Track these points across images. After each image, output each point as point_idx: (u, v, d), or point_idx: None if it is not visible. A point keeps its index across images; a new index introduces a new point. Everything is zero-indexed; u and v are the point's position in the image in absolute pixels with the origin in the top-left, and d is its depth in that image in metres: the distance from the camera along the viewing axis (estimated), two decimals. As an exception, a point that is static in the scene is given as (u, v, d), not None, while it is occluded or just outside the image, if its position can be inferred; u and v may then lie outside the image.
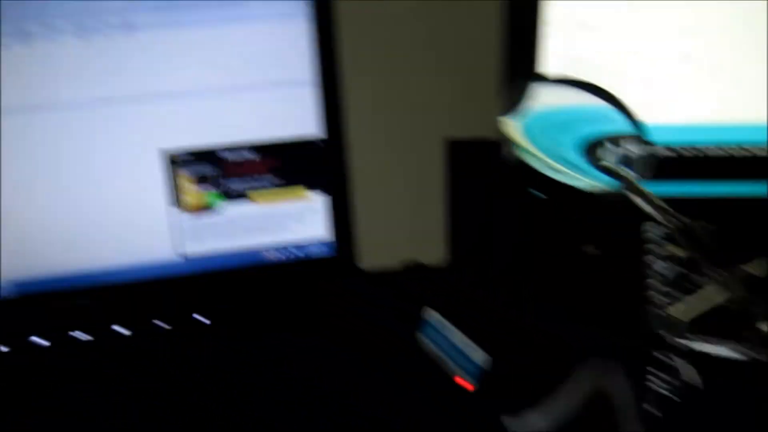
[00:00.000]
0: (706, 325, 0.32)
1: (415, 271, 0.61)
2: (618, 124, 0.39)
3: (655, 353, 0.29)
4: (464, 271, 0.55)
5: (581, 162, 0.38)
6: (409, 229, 0.61)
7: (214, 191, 0.52)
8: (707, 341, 0.29)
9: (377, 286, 0.55)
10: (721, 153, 0.45)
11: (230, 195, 0.52)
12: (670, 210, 0.36)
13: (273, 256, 0.54)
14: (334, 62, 0.51)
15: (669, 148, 0.46)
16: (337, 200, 0.53)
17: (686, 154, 0.45)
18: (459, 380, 0.46)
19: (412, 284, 0.58)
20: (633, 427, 0.39)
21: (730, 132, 0.45)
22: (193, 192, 0.52)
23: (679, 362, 0.29)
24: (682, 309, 0.30)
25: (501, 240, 0.50)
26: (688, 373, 0.29)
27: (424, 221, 0.54)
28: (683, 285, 0.36)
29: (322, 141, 0.52)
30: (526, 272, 0.51)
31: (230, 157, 0.52)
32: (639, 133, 0.38)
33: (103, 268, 0.51)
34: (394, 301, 0.53)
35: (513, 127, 0.37)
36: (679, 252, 0.35)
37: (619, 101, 0.39)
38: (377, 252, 0.60)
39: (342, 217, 0.54)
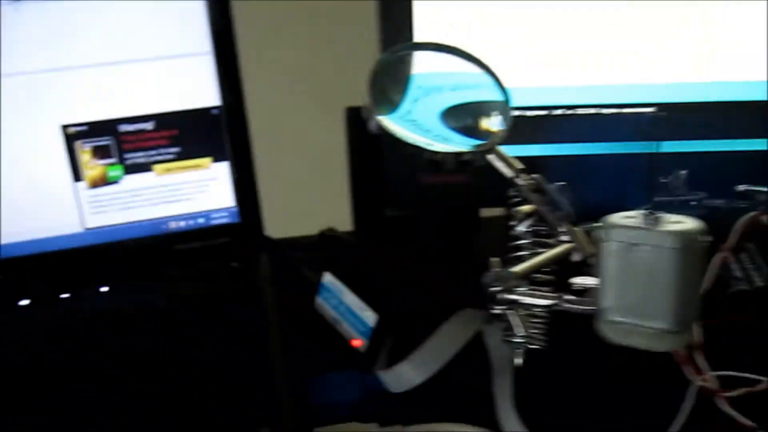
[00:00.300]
0: (546, 280, 0.34)
1: (319, 237, 0.63)
2: (485, 88, 0.40)
3: (491, 306, 0.31)
4: (365, 236, 0.56)
5: (445, 126, 0.39)
6: (316, 196, 0.62)
7: (115, 164, 0.52)
8: (535, 295, 0.31)
9: (283, 252, 0.56)
10: (590, 112, 0.46)
11: (132, 167, 0.53)
12: (525, 169, 0.38)
13: (177, 225, 0.55)
14: (231, 33, 0.52)
15: (535, 110, 0.48)
16: (239, 168, 0.54)
17: (553, 114, 0.47)
18: (353, 341, 0.48)
19: (315, 250, 0.59)
20: (504, 376, 0.42)
21: (600, 92, 0.47)
22: (94, 165, 0.52)
23: (510, 314, 0.31)
24: (521, 264, 0.31)
25: (396, 205, 0.52)
26: (517, 325, 0.31)
27: (330, 188, 0.56)
28: (538, 242, 0.38)
29: (221, 110, 0.53)
30: (419, 235, 0.53)
31: (130, 129, 0.52)
32: (504, 97, 0.40)
33: (7, 241, 0.51)
34: (298, 267, 0.55)
35: (380, 93, 0.38)
36: (532, 210, 0.36)
37: (487, 66, 0.40)
38: (286, 220, 0.61)
39: (245, 185, 0.55)
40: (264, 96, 0.54)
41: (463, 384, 0.44)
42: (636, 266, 0.24)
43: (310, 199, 0.61)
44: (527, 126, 0.47)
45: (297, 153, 0.59)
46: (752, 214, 0.34)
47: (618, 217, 0.25)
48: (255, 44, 0.53)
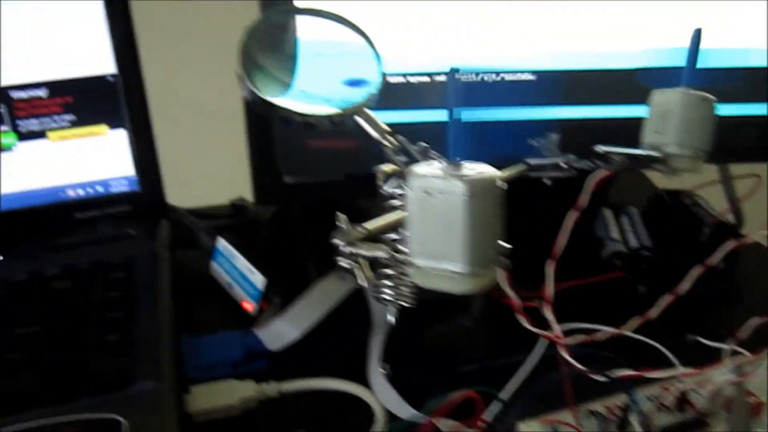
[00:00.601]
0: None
1: (231, 206, 0.63)
2: (356, 53, 0.41)
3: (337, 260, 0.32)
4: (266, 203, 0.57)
5: (316, 90, 0.40)
6: (224, 163, 0.62)
7: (8, 131, 0.52)
8: (373, 248, 0.32)
9: (180, 219, 0.56)
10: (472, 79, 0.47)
11: (26, 134, 0.52)
12: (391, 132, 0.39)
13: (76, 193, 0.54)
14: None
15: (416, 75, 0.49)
16: (137, 136, 0.54)
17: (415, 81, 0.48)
18: (243, 304, 0.49)
19: (218, 218, 0.60)
20: (378, 333, 0.43)
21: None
22: (-14, 132, 0.52)
23: (355, 268, 0.32)
24: (371, 221, 0.32)
25: (291, 171, 0.52)
26: (361, 278, 0.32)
27: (231, 156, 0.56)
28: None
29: (117, 77, 0.53)
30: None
31: (23, 96, 0.52)
32: (376, 61, 0.41)
33: None
34: (195, 233, 0.55)
35: (250, 60, 0.39)
36: (394, 170, 0.37)
37: (360, 30, 0.41)
38: (195, 189, 0.62)
39: (144, 153, 0.55)
40: (161, 62, 0.54)
41: (346, 341, 0.45)
42: (431, 212, 0.25)
43: (219, 167, 0.61)
44: (411, 91, 0.48)
45: (203, 120, 0.59)
46: (600, 173, 0.36)
47: (420, 167, 0.26)
48: (149, 11, 0.53)
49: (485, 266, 0.25)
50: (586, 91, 0.48)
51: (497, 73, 0.48)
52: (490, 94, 0.48)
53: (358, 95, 0.40)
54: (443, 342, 0.41)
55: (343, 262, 0.31)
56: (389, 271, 0.43)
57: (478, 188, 0.24)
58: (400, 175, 0.39)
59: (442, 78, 0.47)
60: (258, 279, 0.48)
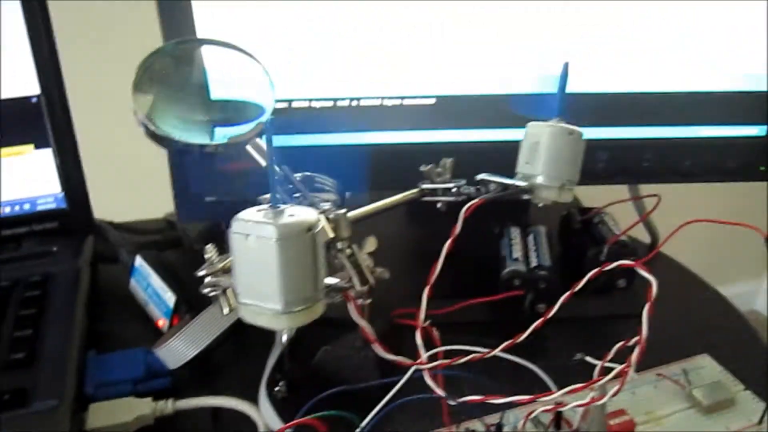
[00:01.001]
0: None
1: (165, 222, 0.65)
2: (248, 82, 0.42)
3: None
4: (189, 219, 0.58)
5: (205, 119, 0.41)
6: (148, 181, 0.64)
7: (-65, 151, 0.53)
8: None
9: (105, 237, 0.58)
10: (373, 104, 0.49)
11: (-48, 154, 0.54)
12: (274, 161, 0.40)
13: (2, 211, 0.56)
14: (47, 22, 0.53)
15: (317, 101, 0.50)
16: (63, 155, 0.56)
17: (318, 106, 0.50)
18: (158, 322, 0.51)
19: (146, 233, 0.62)
20: (274, 351, 0.45)
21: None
22: None
23: (220, 296, 0.33)
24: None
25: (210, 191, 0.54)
26: (224, 305, 0.33)
27: (158, 173, 0.57)
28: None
29: (40, 98, 0.54)
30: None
31: (-51, 117, 0.53)
32: (268, 90, 0.42)
33: None
34: (117, 251, 0.57)
35: (142, 92, 0.40)
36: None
37: (254, 57, 0.42)
38: (126, 204, 0.63)
39: (69, 171, 0.56)
40: (85, 83, 0.56)
41: (247, 358, 0.47)
42: (249, 255, 0.26)
43: (152, 183, 0.63)
44: (313, 116, 0.50)
45: (129, 139, 0.60)
46: (473, 202, 0.37)
47: (245, 212, 0.27)
48: (72, 28, 0.55)
49: (304, 304, 0.27)
50: (485, 115, 0.49)
51: (400, 99, 0.49)
52: (391, 118, 0.50)
53: (248, 125, 0.41)
54: (335, 362, 0.43)
55: (208, 291, 0.33)
56: None
57: (287, 233, 0.26)
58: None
59: (345, 103, 0.49)
60: (169, 297, 0.49)
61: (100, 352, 0.47)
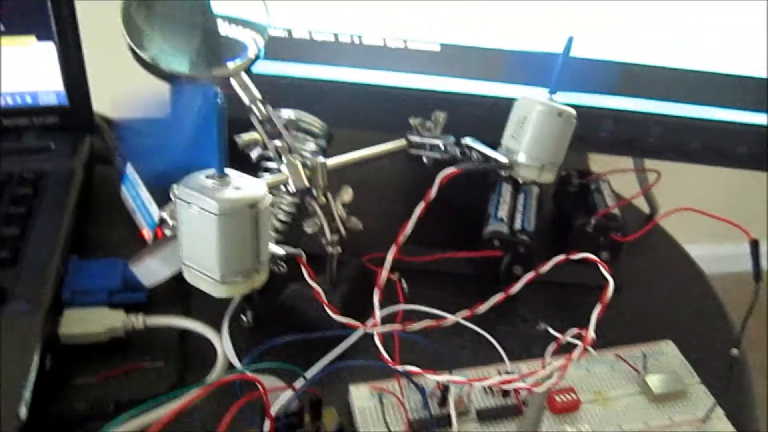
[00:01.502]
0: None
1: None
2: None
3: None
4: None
5: (195, 52, 0.40)
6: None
7: (-62, 33, 0.53)
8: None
9: (103, 138, 0.58)
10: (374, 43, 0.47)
11: (-45, 39, 0.54)
12: (261, 99, 0.40)
13: (5, 102, 0.56)
14: None
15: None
16: (65, 50, 0.55)
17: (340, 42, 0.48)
18: (143, 232, 0.52)
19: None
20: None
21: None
22: None
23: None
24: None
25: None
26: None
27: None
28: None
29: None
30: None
31: (-49, 1, 0.53)
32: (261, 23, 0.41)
33: None
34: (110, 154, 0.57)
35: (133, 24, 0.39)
36: (254, 139, 0.39)
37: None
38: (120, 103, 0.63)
39: (72, 66, 0.56)
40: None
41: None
42: (193, 223, 0.26)
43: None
44: (314, 47, 0.48)
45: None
46: (449, 170, 0.36)
47: (191, 178, 0.27)
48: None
49: (242, 276, 0.27)
50: (490, 69, 0.47)
51: (403, 41, 0.47)
52: (393, 59, 0.48)
53: (236, 60, 0.40)
54: (302, 301, 0.44)
55: (168, 232, 0.33)
56: None
57: (229, 209, 0.25)
58: (263, 146, 0.40)
59: (347, 39, 0.47)
60: (154, 210, 0.50)
61: (83, 256, 0.49)
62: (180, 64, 0.39)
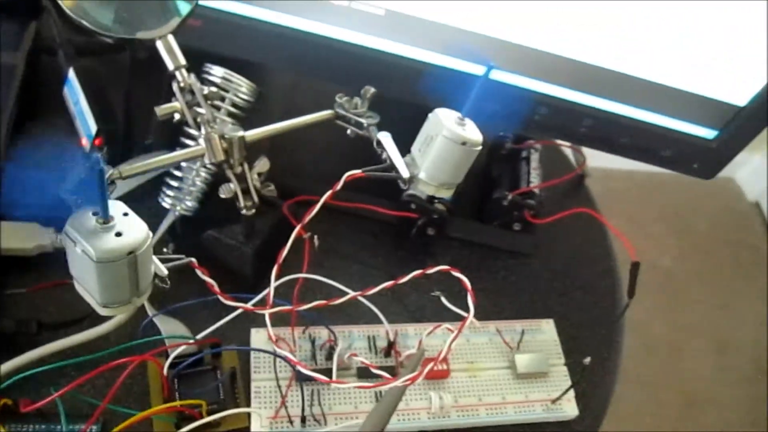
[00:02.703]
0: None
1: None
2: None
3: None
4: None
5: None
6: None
7: None
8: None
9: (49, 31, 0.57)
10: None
11: None
12: (185, 66, 0.40)
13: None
14: None
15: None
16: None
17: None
18: (81, 140, 0.53)
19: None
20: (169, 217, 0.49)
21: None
22: None
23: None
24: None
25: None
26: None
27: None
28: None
29: None
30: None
31: None
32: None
33: None
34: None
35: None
36: (174, 108, 0.40)
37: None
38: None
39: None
40: None
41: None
42: (76, 258, 0.29)
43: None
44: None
45: None
46: (353, 172, 0.38)
47: (84, 214, 0.29)
48: None
49: (121, 304, 0.30)
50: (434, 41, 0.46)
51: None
52: (336, 16, 0.46)
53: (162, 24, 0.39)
54: (218, 247, 0.47)
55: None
56: (174, 184, 0.48)
57: (107, 257, 0.28)
58: (182, 115, 0.41)
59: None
60: (92, 124, 0.51)
61: (22, 156, 0.50)
62: (106, 21, 0.38)
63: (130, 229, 0.28)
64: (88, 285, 0.30)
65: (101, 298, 0.29)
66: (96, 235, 0.28)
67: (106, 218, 0.28)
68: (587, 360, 0.43)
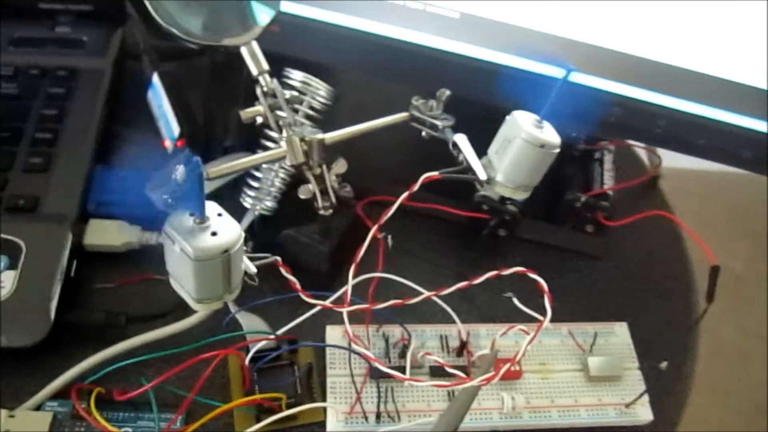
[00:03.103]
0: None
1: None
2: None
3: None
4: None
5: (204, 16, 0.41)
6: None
7: None
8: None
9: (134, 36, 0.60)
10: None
11: None
12: (268, 71, 0.41)
13: (41, -16, 0.58)
14: None
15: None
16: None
17: None
18: (164, 142, 0.56)
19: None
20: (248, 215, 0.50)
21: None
22: None
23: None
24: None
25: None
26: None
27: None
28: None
29: None
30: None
31: None
32: None
33: None
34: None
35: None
36: (257, 112, 0.41)
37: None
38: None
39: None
40: None
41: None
42: (174, 256, 0.30)
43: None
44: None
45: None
46: (429, 174, 0.39)
47: (175, 217, 0.30)
48: None
49: (215, 299, 0.32)
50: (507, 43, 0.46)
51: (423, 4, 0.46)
52: (413, 19, 0.47)
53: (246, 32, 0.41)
54: (295, 246, 0.48)
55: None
56: (254, 184, 0.50)
57: (203, 256, 0.29)
58: (265, 118, 0.42)
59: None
60: (175, 126, 0.54)
61: (109, 157, 0.53)
62: (193, 28, 0.40)
63: (225, 228, 0.30)
64: (183, 281, 0.31)
65: (196, 293, 0.31)
66: (193, 234, 0.29)
67: (202, 218, 0.29)
68: (664, 364, 0.43)
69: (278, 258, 0.36)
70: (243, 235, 0.31)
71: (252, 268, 0.33)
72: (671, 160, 0.59)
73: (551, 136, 0.37)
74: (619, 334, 0.50)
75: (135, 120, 0.58)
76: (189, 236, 0.29)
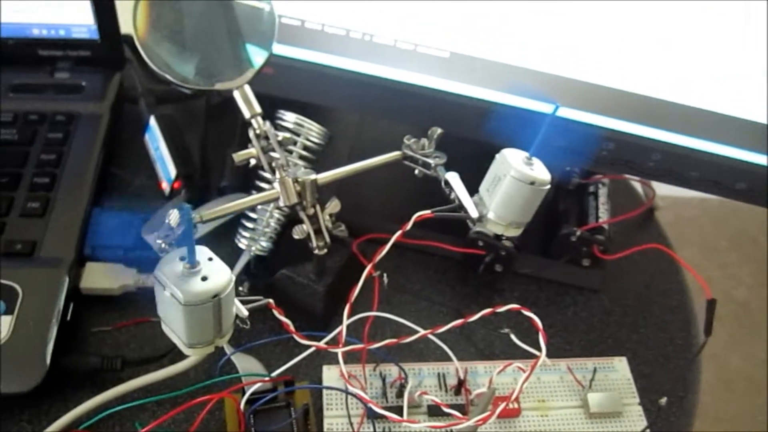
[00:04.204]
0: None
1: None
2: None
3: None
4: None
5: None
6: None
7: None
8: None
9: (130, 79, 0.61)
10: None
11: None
12: (260, 114, 0.42)
13: (40, 32, 0.59)
14: None
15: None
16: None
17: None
18: (161, 184, 0.56)
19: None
20: (244, 256, 0.50)
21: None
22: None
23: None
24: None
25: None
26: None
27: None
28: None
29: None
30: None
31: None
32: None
33: None
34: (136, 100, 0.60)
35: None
36: (250, 154, 0.41)
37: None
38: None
39: (103, 4, 0.57)
40: None
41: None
42: (164, 299, 0.30)
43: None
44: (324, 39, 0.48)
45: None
46: (422, 213, 0.39)
47: (166, 262, 0.30)
48: None
49: (205, 343, 0.32)
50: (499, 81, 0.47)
51: (413, 44, 0.47)
52: (403, 60, 0.48)
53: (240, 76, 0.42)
54: (290, 285, 0.48)
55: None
56: (249, 225, 0.50)
57: (193, 301, 0.29)
58: (258, 160, 0.43)
59: (357, 35, 0.47)
60: (171, 169, 0.54)
61: (105, 199, 0.54)
62: (187, 74, 0.41)
63: (215, 273, 0.30)
64: (174, 326, 0.31)
65: (187, 338, 0.31)
66: (183, 279, 0.29)
67: (192, 264, 0.30)
68: (663, 400, 0.42)
69: (271, 300, 0.36)
70: (233, 279, 0.31)
71: (243, 312, 0.33)
72: (670, 188, 0.59)
73: (541, 173, 0.38)
74: (619, 368, 0.50)
75: (132, 162, 0.59)
76: (179, 281, 0.29)
